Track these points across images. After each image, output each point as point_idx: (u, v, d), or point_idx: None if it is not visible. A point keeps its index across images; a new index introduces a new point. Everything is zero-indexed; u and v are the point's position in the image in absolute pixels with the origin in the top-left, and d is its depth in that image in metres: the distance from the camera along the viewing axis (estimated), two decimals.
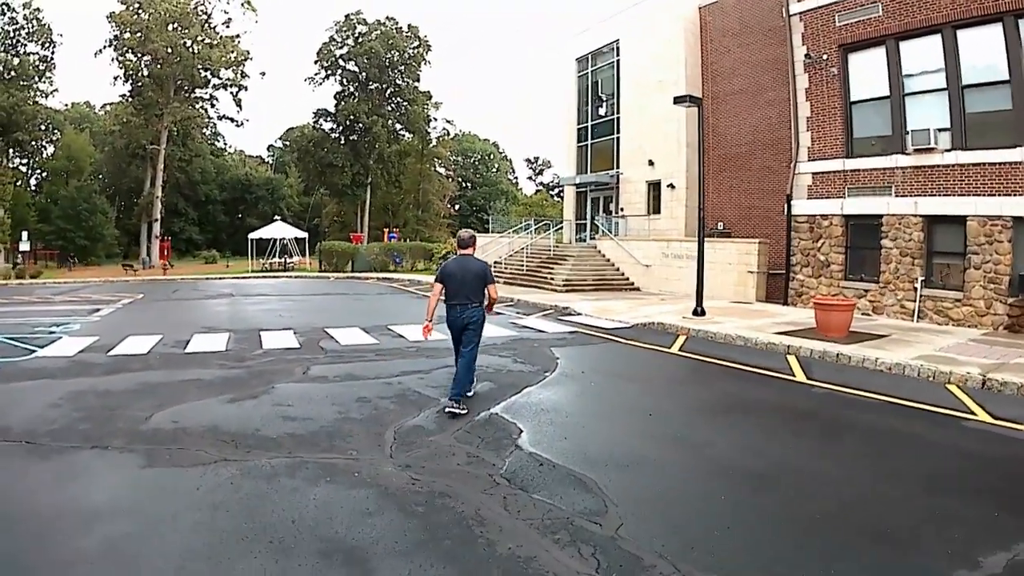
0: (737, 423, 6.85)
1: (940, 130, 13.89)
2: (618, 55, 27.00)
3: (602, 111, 28.64)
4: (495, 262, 25.97)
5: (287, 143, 65.52)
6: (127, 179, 54.60)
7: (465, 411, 6.80)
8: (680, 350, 11.03)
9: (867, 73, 15.41)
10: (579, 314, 15.62)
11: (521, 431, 6.28)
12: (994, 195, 12.99)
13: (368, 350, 10.67)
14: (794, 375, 9.05)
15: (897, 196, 14.63)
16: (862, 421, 6.87)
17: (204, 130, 61.07)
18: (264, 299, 20.64)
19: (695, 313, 14.02)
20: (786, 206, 16.76)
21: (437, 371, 9.01)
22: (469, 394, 7.35)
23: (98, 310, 17.17)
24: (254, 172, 75.30)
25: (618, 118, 27.01)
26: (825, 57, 15.93)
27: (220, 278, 33.25)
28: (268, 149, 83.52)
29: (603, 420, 6.96)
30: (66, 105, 63.78)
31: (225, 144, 73.36)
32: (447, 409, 6.79)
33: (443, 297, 7.08)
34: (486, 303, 7.22)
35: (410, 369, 9.16)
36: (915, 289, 14.23)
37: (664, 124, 23.97)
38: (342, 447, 5.76)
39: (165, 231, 55.32)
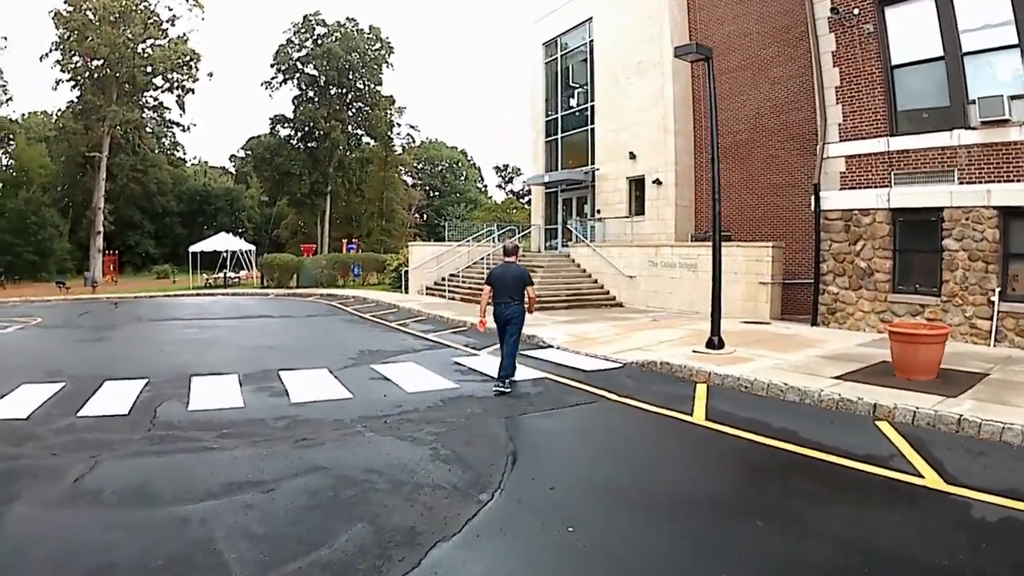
0: None
1: (1013, 98, 10.70)
2: (591, 35, 23.56)
3: (573, 101, 25.18)
4: (451, 275, 22.23)
5: (248, 152, 61.38)
6: (80, 191, 49.89)
7: (509, 390, 7.95)
8: (707, 418, 7.00)
9: (912, 30, 12.12)
10: (549, 346, 11.81)
11: None
12: None
13: (216, 424, 6.72)
14: (919, 473, 5.14)
15: (962, 183, 11.21)
16: None
17: (163, 139, 56.76)
18: (169, 326, 16.91)
19: (710, 345, 10.07)
20: (813, 199, 13.14)
21: (293, 484, 5.01)
22: (514, 378, 8.30)
23: None
24: (213, 183, 70.92)
25: (592, 107, 23.49)
26: (856, 12, 12.57)
27: (150, 296, 29.21)
28: (230, 159, 79.19)
29: None
30: (23, 115, 59.59)
31: (185, 154, 69.56)
32: (494, 387, 8.07)
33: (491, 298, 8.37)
34: (526, 302, 8.41)
35: (247, 479, 5.08)
36: (991, 303, 10.80)
37: (647, 111, 20.52)
38: None
39: (120, 245, 51.08)
